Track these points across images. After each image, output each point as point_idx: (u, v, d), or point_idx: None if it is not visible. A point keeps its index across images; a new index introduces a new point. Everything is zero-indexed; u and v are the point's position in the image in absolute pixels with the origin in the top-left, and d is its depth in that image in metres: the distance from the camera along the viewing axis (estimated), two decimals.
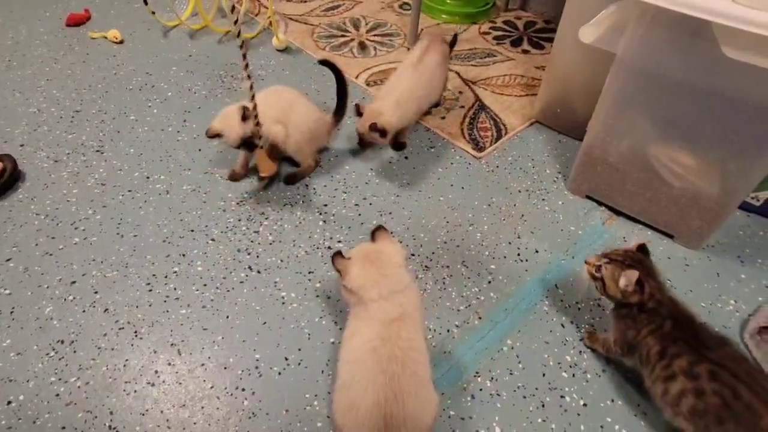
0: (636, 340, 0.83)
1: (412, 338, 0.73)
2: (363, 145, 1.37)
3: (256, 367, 0.91)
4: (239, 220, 1.18)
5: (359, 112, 1.26)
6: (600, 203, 1.25)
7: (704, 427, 0.73)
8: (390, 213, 1.22)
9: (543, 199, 1.28)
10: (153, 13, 1.77)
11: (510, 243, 1.17)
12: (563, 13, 1.27)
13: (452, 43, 1.48)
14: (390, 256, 0.80)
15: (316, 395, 0.88)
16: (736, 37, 0.80)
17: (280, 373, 0.91)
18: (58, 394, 0.85)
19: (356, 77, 1.66)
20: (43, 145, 1.33)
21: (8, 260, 1.06)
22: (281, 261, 1.09)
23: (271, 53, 1.76)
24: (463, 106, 1.56)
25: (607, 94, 1.08)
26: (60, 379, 0.87)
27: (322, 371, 0.91)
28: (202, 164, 1.32)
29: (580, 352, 0.96)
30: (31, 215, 1.15)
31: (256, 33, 1.83)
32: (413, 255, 1.13)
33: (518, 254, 1.15)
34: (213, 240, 1.13)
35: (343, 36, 1.87)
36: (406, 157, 1.38)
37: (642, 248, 0.88)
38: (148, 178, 1.27)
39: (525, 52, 1.82)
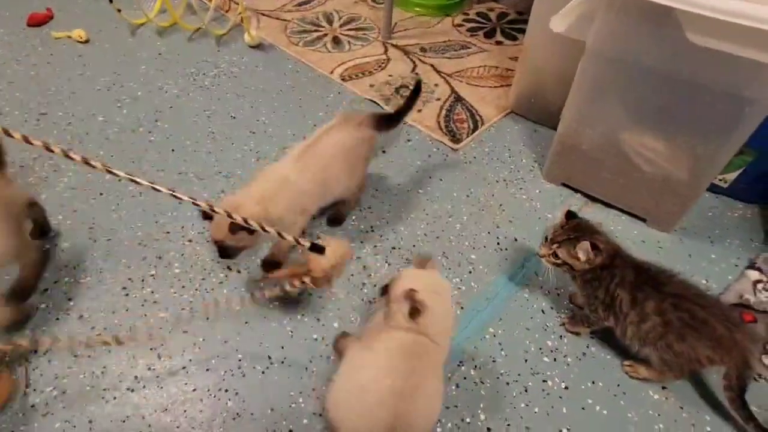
0: (608, 296, 0.88)
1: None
2: (225, 255, 0.92)
3: (239, 367, 0.90)
4: None
5: (206, 216, 0.86)
6: (576, 190, 1.28)
7: (667, 347, 0.84)
8: (369, 207, 1.22)
9: (520, 188, 1.29)
10: (119, 10, 1.72)
11: (489, 233, 1.18)
12: (534, 3, 1.28)
13: (390, 120, 1.15)
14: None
15: (300, 392, 0.88)
16: (700, 23, 0.82)
17: (263, 372, 0.90)
18: (33, 405, 0.83)
19: (331, 72, 1.65)
20: (7, 149, 1.28)
21: None
22: (261, 260, 1.08)
23: (243, 50, 1.73)
24: (439, 99, 1.56)
25: (579, 82, 1.10)
26: (35, 390, 0.85)
27: (306, 368, 0.91)
28: (176, 164, 1.29)
29: (561, 336, 0.98)
30: None
31: (227, 30, 1.79)
32: (394, 248, 1.13)
33: (498, 243, 1.16)
34: (190, 241, 1.11)
35: (316, 31, 1.85)
36: (383, 151, 1.38)
37: (570, 214, 0.94)
38: (120, 180, 1.23)
39: (498, 43, 1.83)
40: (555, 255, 0.91)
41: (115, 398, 0.85)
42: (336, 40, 1.81)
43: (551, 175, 1.30)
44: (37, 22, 1.74)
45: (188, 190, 1.22)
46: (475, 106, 1.54)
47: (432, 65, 1.70)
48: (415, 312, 0.72)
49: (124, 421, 0.82)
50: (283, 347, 0.94)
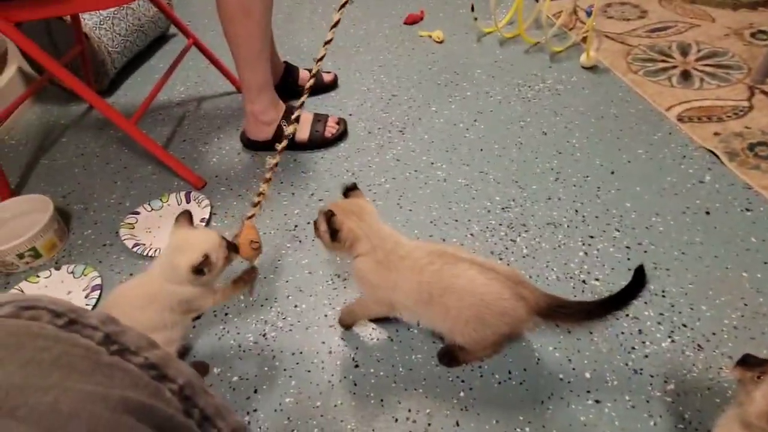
0: None
1: None
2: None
3: (480, 366, 0.93)
4: (500, 224, 1.21)
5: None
6: None
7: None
8: (668, 269, 1.05)
9: None
10: (475, 19, 1.93)
11: None
12: None
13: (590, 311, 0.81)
14: None
15: (529, 422, 0.85)
16: None
17: (500, 383, 0.91)
18: (326, 315, 1.06)
19: (667, 109, 1.46)
20: (364, 117, 1.63)
21: (320, 200, 1.34)
22: (529, 276, 1.07)
23: (574, 69, 1.71)
24: None
25: None
26: (330, 305, 1.08)
27: (542, 402, 0.87)
28: (480, 163, 1.39)
29: None
30: (343, 170, 1.43)
31: (565, 47, 1.80)
32: (685, 325, 0.95)
33: None
34: (472, 235, 1.19)
35: (664, 61, 1.66)
36: (707, 212, 1.16)
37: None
38: (432, 164, 1.42)
39: None
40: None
41: (378, 339, 1.00)
42: (685, 75, 1.59)
43: None
44: (412, 21, 2.13)
45: (484, 189, 1.31)
46: None
47: None
48: None
49: (378, 361, 0.96)
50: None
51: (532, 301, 0.80)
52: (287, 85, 1.68)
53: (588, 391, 0.88)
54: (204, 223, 1.28)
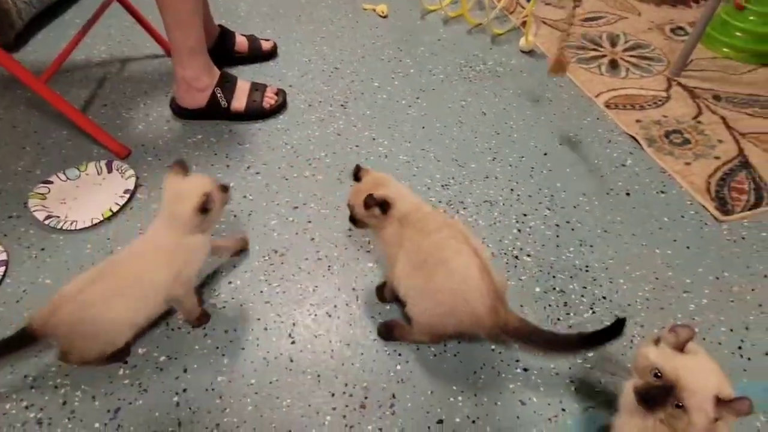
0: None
1: None
2: (353, 221, 0.93)
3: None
4: (440, 201, 1.22)
5: (356, 177, 0.93)
6: None
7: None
8: (591, 245, 1.12)
9: None
10: None
11: (732, 330, 0.97)
12: None
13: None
14: None
15: (462, 392, 0.88)
16: None
17: (435, 355, 0.93)
18: (262, 291, 1.03)
19: (596, 96, 1.54)
20: (305, 89, 1.57)
21: (257, 173, 1.29)
22: None
23: (513, 53, 1.75)
24: (718, 158, 1.32)
25: None
26: (266, 281, 1.05)
27: (475, 372, 0.90)
28: (422, 141, 1.39)
29: None
30: (281, 143, 1.38)
31: (505, 30, 1.83)
32: (604, 297, 1.02)
33: (739, 347, 0.94)
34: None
35: (595, 50, 1.75)
36: (627, 193, 1.25)
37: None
38: (374, 139, 1.40)
39: None
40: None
41: (315, 315, 0.99)
42: (613, 64, 1.68)
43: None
44: None
45: (425, 165, 1.32)
46: (766, 180, 1.25)
47: (723, 117, 1.45)
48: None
49: (316, 336, 0.95)
50: (459, 342, 0.95)
51: (502, 320, 0.79)
52: (223, 50, 1.58)
53: (517, 360, 0.92)
54: (128, 195, 1.19)
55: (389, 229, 0.87)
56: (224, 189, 0.91)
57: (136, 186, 1.22)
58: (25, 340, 0.79)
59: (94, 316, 0.79)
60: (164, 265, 0.84)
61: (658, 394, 0.63)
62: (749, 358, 0.93)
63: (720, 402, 0.60)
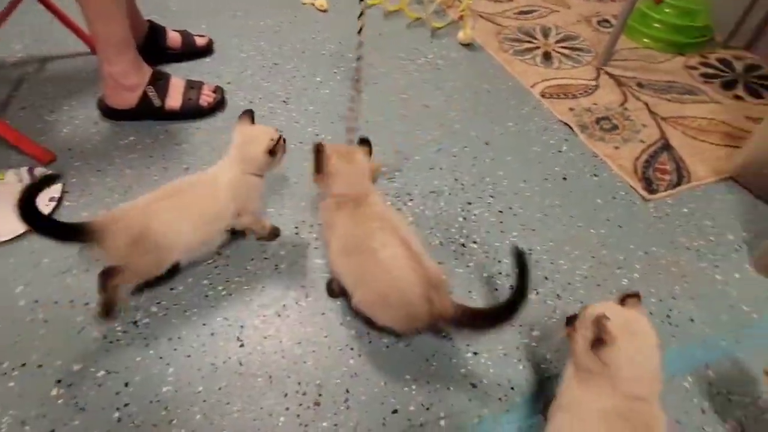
0: None
1: None
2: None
3: (368, 333, 0.95)
4: (387, 194, 1.23)
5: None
6: None
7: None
8: (533, 229, 1.17)
9: (716, 266, 1.11)
10: None
11: (660, 300, 1.04)
12: None
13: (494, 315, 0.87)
14: None
15: (415, 380, 0.89)
16: None
17: (388, 347, 0.94)
18: (207, 296, 0.99)
19: (532, 86, 1.60)
20: (244, 86, 1.53)
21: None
22: None
23: (453, 46, 1.79)
24: (643, 141, 1.41)
25: None
26: (210, 285, 1.01)
27: (427, 359, 0.92)
28: (365, 134, 1.39)
29: None
30: (221, 142, 1.30)
31: (444, 24, 1.86)
32: (546, 278, 1.07)
33: (667, 316, 1.02)
34: None
35: (529, 42, 1.81)
36: (564, 178, 1.31)
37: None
38: (317, 135, 1.39)
39: (738, 97, 1.58)
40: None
41: (264, 316, 0.97)
42: (547, 56, 1.75)
43: (763, 264, 1.08)
44: None
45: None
46: (685, 160, 1.35)
47: (646, 103, 1.55)
48: (599, 342, 0.66)
49: (265, 338, 0.93)
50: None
51: (438, 308, 0.79)
52: (154, 47, 1.51)
53: (468, 345, 0.95)
54: (54, 203, 1.11)
55: (326, 208, 0.91)
56: (283, 140, 0.99)
57: (63, 193, 1.14)
58: (79, 233, 0.80)
59: (158, 228, 0.84)
60: (229, 198, 0.93)
61: (571, 317, 0.77)
62: (677, 326, 1.00)
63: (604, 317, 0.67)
